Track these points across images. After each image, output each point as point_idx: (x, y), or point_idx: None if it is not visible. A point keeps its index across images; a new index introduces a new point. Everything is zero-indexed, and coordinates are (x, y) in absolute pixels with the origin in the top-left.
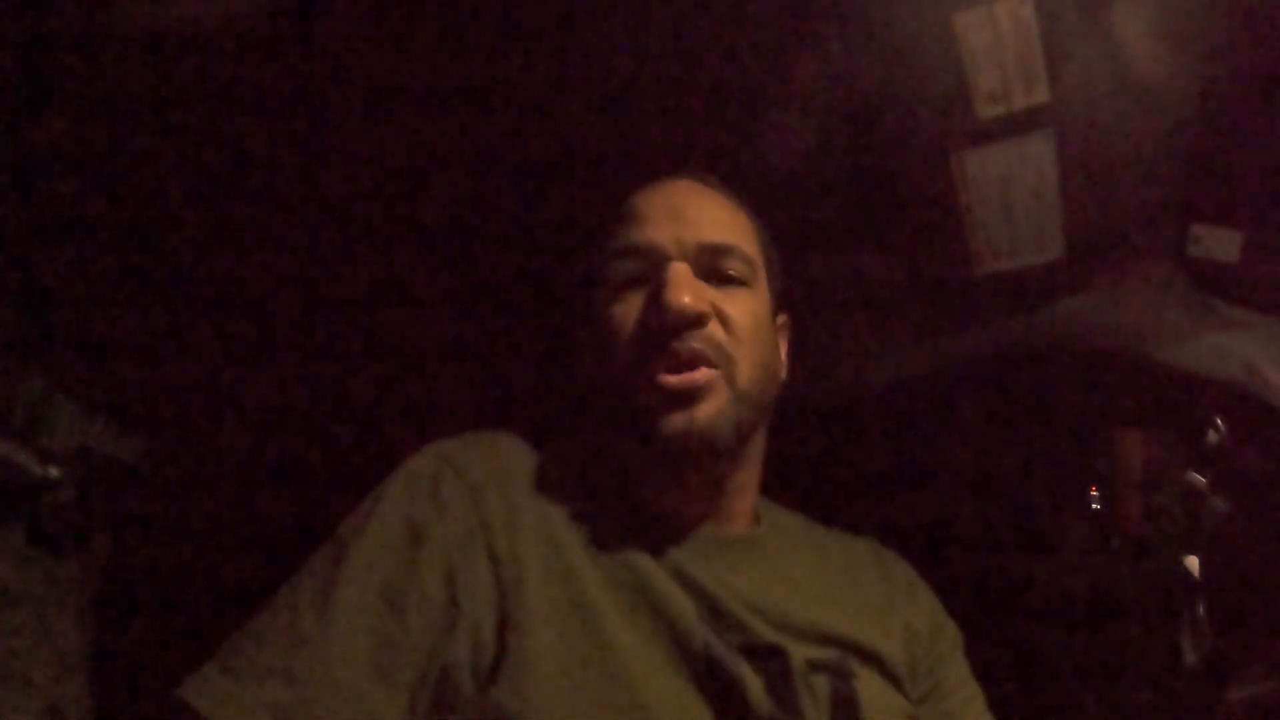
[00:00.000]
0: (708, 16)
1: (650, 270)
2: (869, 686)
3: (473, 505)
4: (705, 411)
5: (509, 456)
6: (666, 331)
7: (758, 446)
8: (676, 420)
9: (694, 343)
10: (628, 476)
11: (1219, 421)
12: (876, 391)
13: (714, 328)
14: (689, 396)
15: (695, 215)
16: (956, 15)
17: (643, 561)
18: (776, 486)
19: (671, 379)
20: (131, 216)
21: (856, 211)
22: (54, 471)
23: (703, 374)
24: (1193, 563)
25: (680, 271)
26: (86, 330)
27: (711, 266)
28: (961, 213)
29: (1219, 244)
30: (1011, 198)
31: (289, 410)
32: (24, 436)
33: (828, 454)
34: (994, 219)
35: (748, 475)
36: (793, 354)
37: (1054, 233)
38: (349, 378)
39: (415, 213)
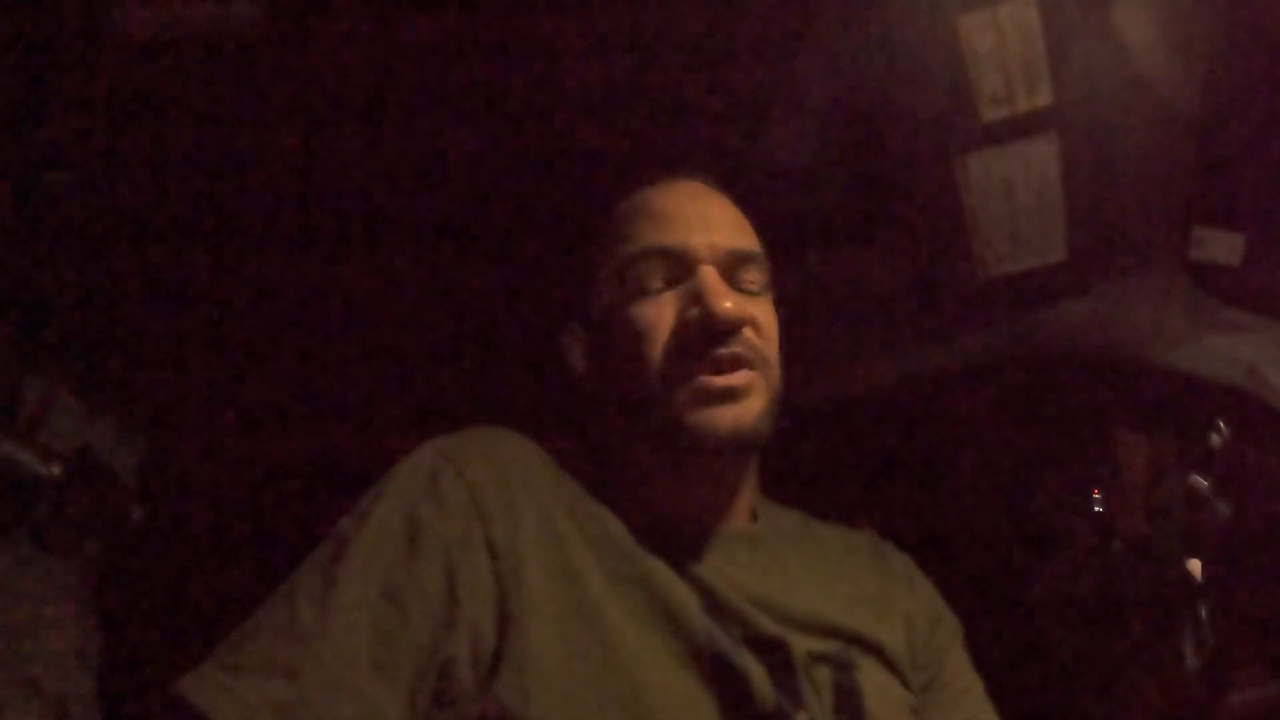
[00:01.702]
0: (712, 19)
1: (679, 273)
2: (871, 677)
3: (471, 501)
4: (750, 409)
5: (508, 452)
6: (710, 337)
7: None
8: (724, 418)
9: (736, 347)
10: (630, 473)
11: (1221, 424)
12: (879, 394)
13: (749, 333)
14: (734, 395)
15: (719, 220)
16: (960, 19)
17: (643, 556)
18: (778, 487)
19: (718, 380)
20: (132, 217)
21: (860, 214)
22: (56, 470)
23: (746, 375)
24: (1195, 565)
25: (716, 277)
26: (87, 330)
27: (736, 273)
28: (964, 215)
29: (1221, 247)
30: (1014, 200)
31: (288, 408)
32: (27, 435)
33: (830, 456)
34: (997, 222)
35: (750, 473)
36: (791, 355)
37: (1057, 235)
38: (348, 375)
39: (414, 212)
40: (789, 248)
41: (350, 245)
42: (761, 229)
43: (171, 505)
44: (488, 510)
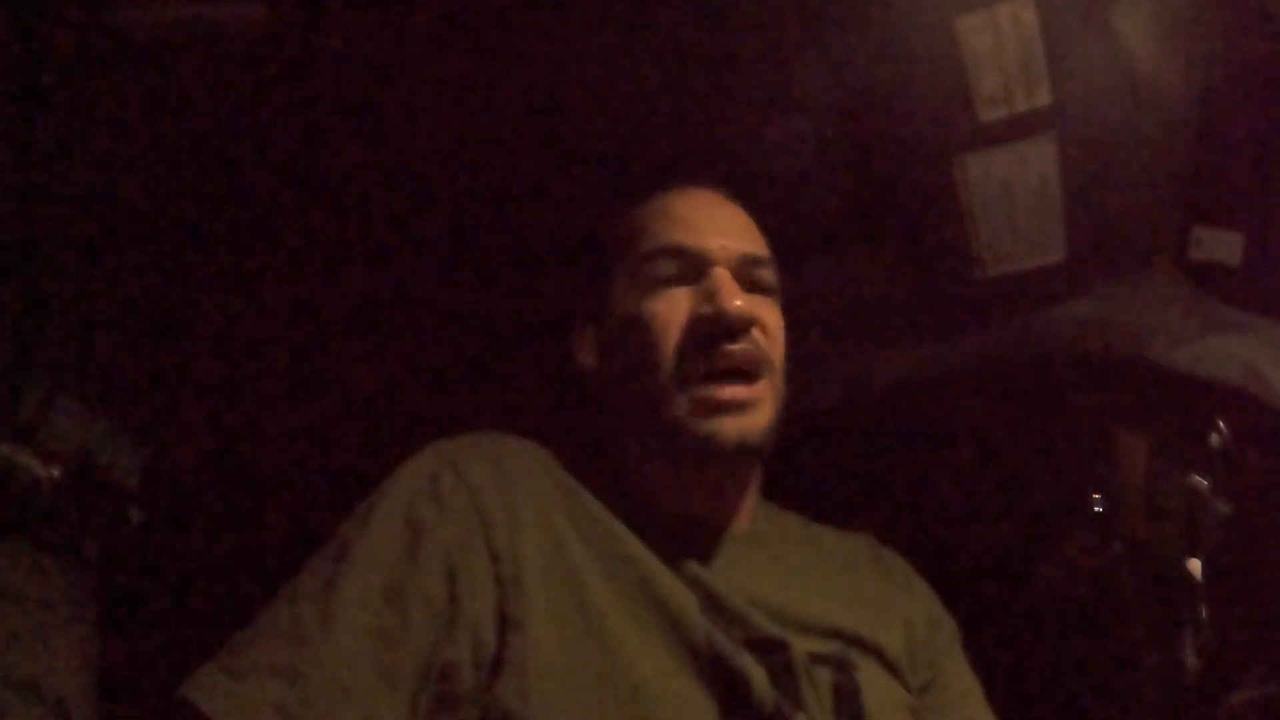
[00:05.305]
0: (711, 21)
1: (691, 273)
2: (870, 678)
3: (472, 504)
4: (757, 421)
5: (508, 456)
6: (720, 334)
7: None
8: (730, 428)
9: (745, 344)
10: (633, 474)
11: (1220, 424)
12: (877, 395)
13: (757, 333)
14: (741, 406)
15: (733, 226)
16: (958, 19)
17: (643, 558)
18: (777, 490)
19: (726, 392)
20: (132, 217)
21: (858, 214)
22: (55, 471)
23: (753, 389)
24: (1194, 565)
25: (729, 278)
26: (87, 330)
27: (748, 276)
28: (963, 216)
29: (1220, 246)
30: (1013, 201)
31: (289, 411)
32: (26, 436)
33: (829, 458)
34: (995, 222)
35: (752, 475)
36: (790, 357)
37: (1055, 236)
38: (349, 379)
39: (417, 215)
40: (788, 249)
41: (352, 247)
42: (763, 231)
43: (171, 507)
44: (488, 513)
